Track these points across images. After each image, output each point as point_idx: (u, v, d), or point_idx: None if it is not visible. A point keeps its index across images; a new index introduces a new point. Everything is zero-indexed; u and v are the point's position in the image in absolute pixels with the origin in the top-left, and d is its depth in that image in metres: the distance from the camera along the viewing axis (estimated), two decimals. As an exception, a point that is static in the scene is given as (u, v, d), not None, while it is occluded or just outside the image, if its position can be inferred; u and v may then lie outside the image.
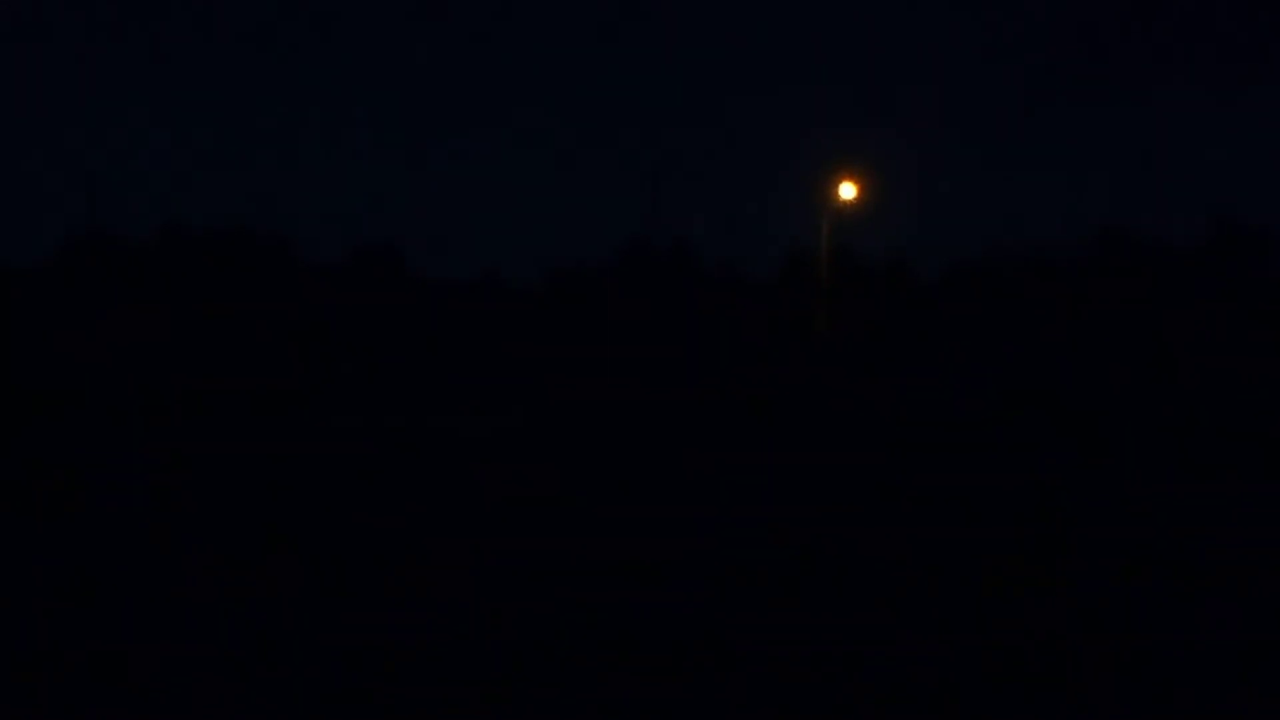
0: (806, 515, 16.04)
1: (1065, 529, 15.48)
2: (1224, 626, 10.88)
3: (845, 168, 48.14)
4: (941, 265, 67.13)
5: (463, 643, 9.94)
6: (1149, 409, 32.61)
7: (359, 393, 33.24)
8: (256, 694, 8.63)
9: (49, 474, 18.16)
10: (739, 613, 11.06)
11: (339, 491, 17.15)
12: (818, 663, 9.62)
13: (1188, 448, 24.03)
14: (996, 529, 15.41)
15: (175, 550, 13.09)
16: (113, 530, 14.08)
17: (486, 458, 21.32)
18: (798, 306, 56.97)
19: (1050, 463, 21.68)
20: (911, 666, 9.55)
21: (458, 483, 18.36)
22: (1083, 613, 11.30)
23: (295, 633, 10.12)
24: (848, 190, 47.03)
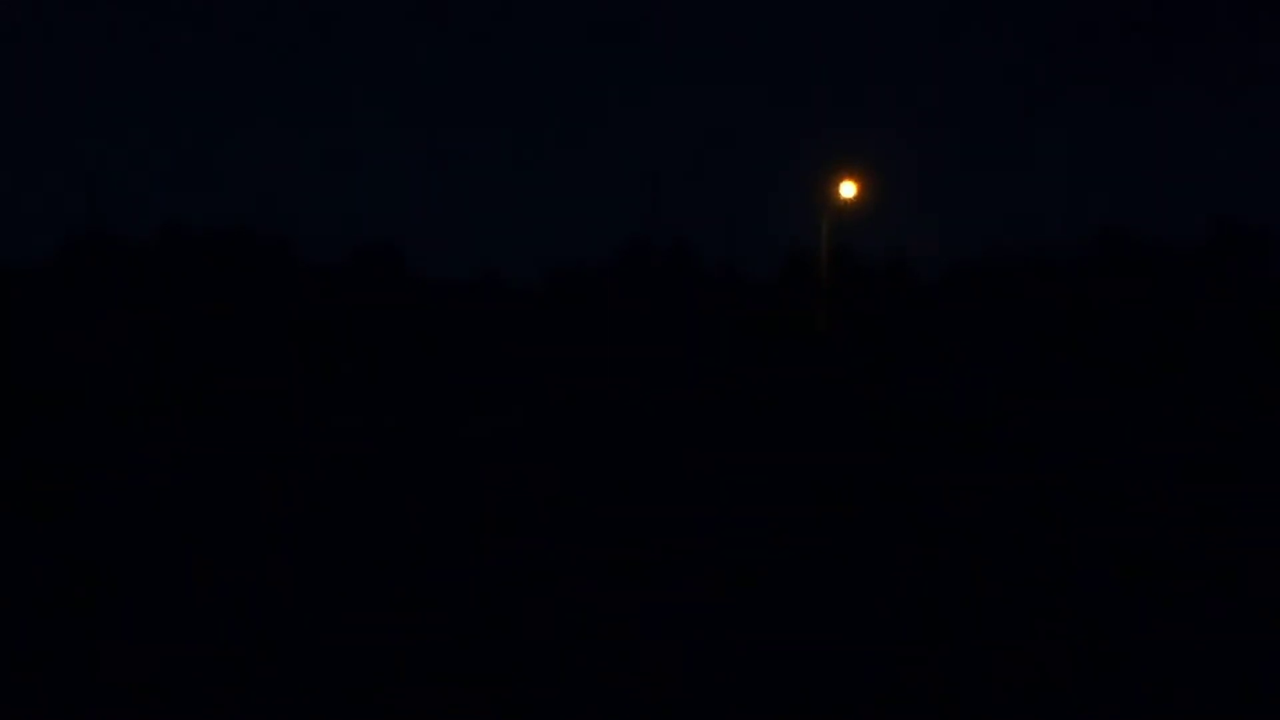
0: (806, 515, 16.04)
1: (1065, 529, 15.48)
2: (1224, 627, 10.88)
3: (845, 168, 48.16)
4: (941, 265, 67.16)
5: (462, 643, 9.94)
6: (1149, 409, 32.61)
7: (359, 393, 33.25)
8: (256, 695, 8.63)
9: (49, 474, 18.17)
10: (739, 612, 11.07)
11: (339, 491, 17.15)
12: (818, 662, 9.63)
13: (1188, 448, 24.03)
14: (997, 529, 15.41)
15: (175, 550, 13.10)
16: (113, 530, 14.08)
17: (486, 457, 21.32)
18: (798, 306, 57.00)
19: (1050, 462, 21.68)
20: (911, 666, 9.56)
21: (457, 483, 18.36)
22: (1083, 613, 11.30)
23: (295, 633, 10.12)
24: (848, 190, 47.04)
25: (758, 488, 18.32)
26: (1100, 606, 11.54)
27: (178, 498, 16.30)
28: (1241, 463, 21.85)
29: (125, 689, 8.65)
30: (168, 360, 41.09)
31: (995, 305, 59.12)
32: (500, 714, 8.40)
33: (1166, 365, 45.89)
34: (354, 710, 8.38)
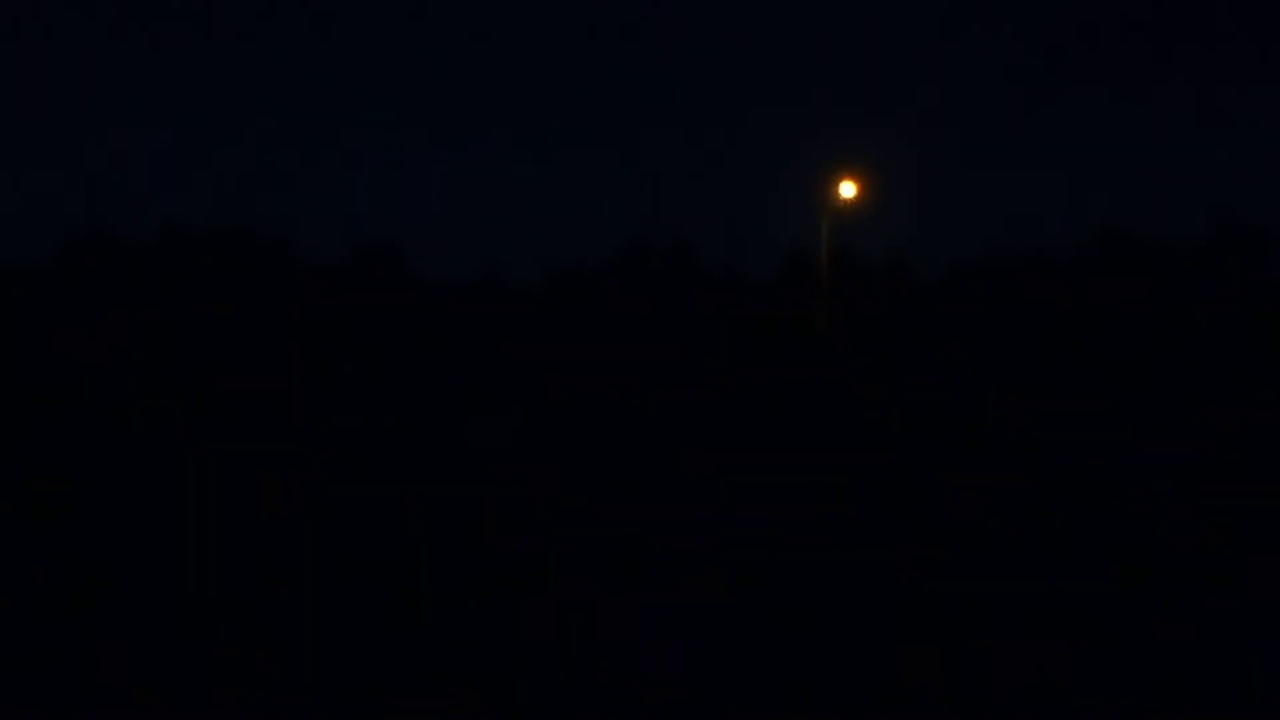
0: (806, 515, 16.03)
1: (1065, 529, 15.47)
2: (1224, 626, 10.87)
3: (845, 168, 48.13)
4: (941, 265, 67.08)
5: (462, 643, 9.93)
6: (1149, 409, 32.60)
7: (359, 393, 33.25)
8: (255, 695, 8.63)
9: (49, 474, 18.16)
10: (739, 612, 11.06)
11: (339, 491, 17.15)
12: (818, 662, 9.62)
13: (1188, 448, 24.02)
14: (997, 529, 15.40)
15: (175, 550, 13.09)
16: (112, 530, 14.08)
17: (486, 457, 21.31)
18: (798, 306, 56.97)
19: (1050, 462, 21.67)
20: (911, 666, 9.55)
21: (457, 482, 18.35)
22: (1083, 612, 11.29)
23: (295, 633, 10.12)
24: (848, 190, 47.02)
25: (758, 487, 18.31)
26: (1100, 606, 11.53)
27: (177, 497, 16.29)
28: (1241, 463, 21.84)
29: (125, 689, 8.64)
30: (168, 360, 41.07)
31: (995, 305, 59.05)
32: (500, 714, 8.39)
33: (1166, 365, 45.87)
34: (354, 710, 8.38)
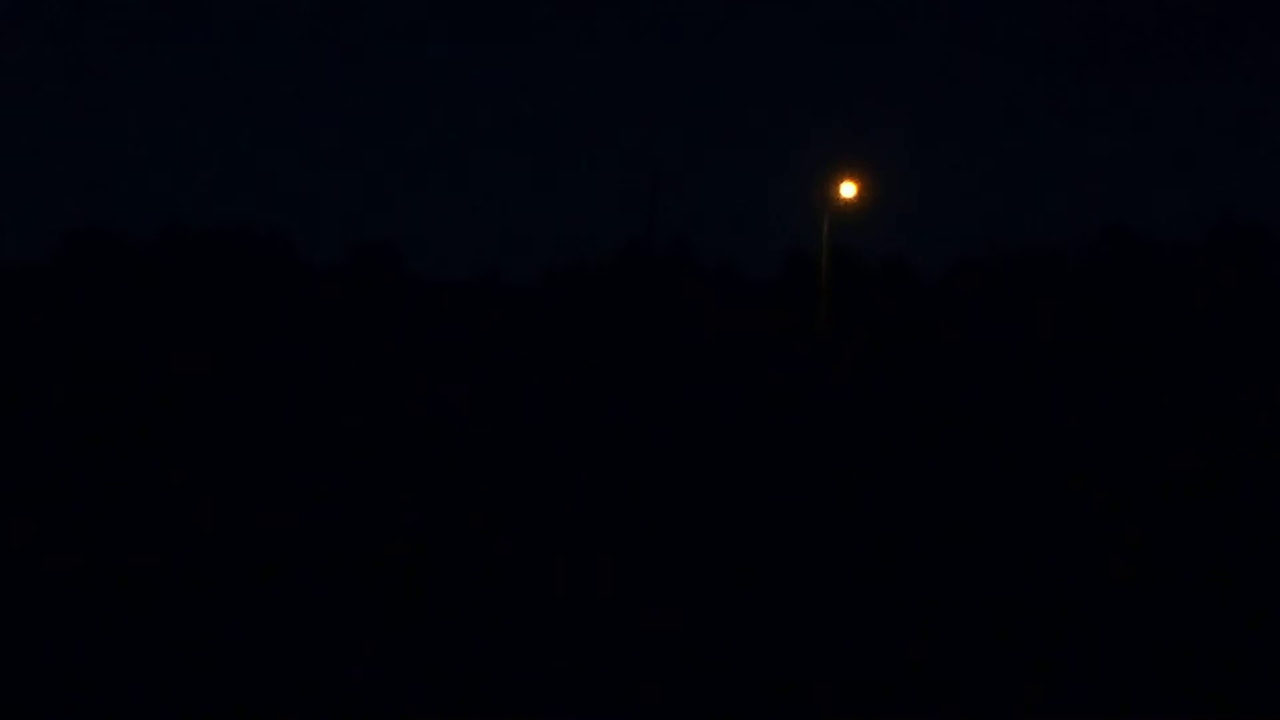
0: (806, 514, 16.03)
1: (1065, 528, 15.47)
2: (1224, 626, 10.87)
3: (845, 168, 48.18)
4: (941, 265, 67.22)
5: (462, 643, 9.93)
6: (1149, 408, 32.60)
7: (359, 393, 33.26)
8: (256, 695, 8.63)
9: (49, 473, 18.16)
10: (739, 612, 11.06)
11: (338, 490, 17.14)
12: (818, 662, 9.62)
13: (1188, 447, 24.02)
14: (997, 529, 15.41)
15: (173, 550, 13.09)
16: (112, 530, 14.07)
17: (485, 457, 21.31)
18: (798, 306, 57.02)
19: (1050, 462, 21.68)
20: (911, 666, 9.55)
21: (457, 482, 18.35)
22: (1083, 612, 11.29)
23: (294, 633, 10.12)
24: (848, 190, 47.05)
25: (757, 487, 18.31)
26: (1100, 605, 11.53)
27: (177, 497, 16.29)
28: (1241, 462, 21.85)
29: (124, 689, 8.65)
30: (167, 359, 41.11)
31: (995, 305, 59.14)
32: (500, 714, 8.39)
33: (1167, 363, 45.89)
34: (353, 710, 8.38)
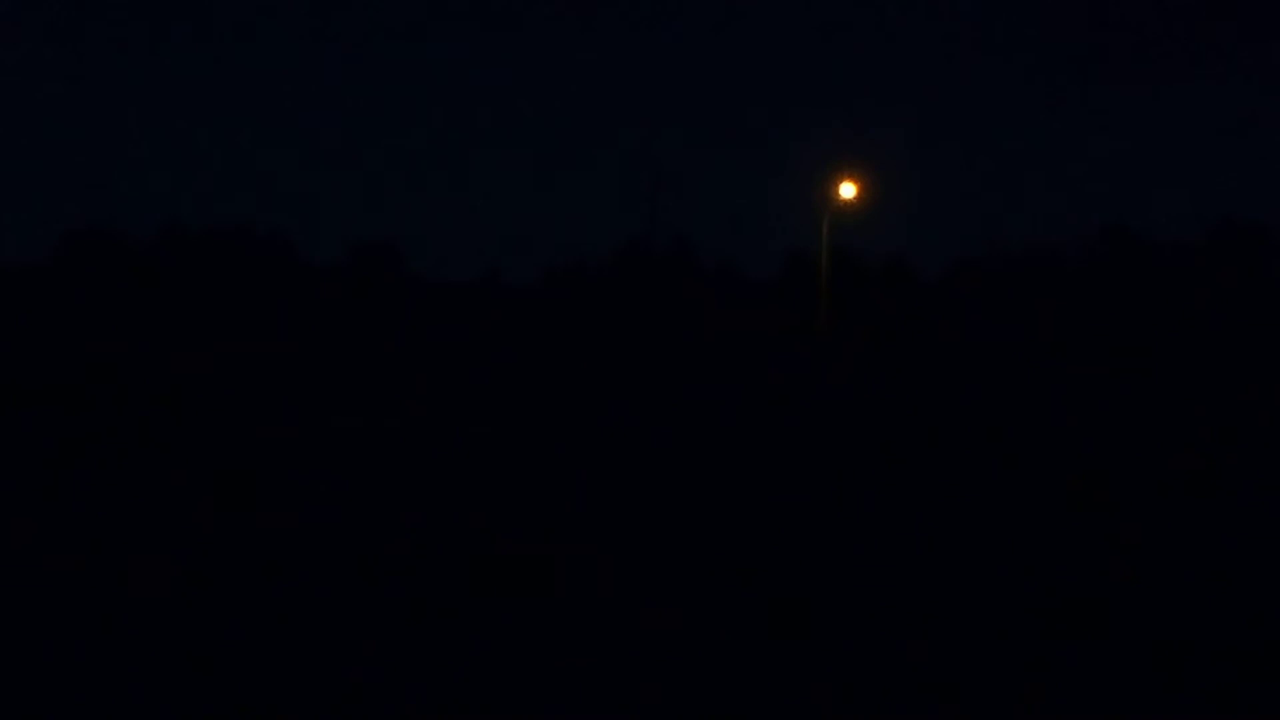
0: (806, 514, 16.03)
1: (1065, 528, 15.47)
2: (1224, 625, 10.87)
3: (845, 168, 48.09)
4: (941, 265, 67.21)
5: (461, 643, 9.93)
6: (1149, 408, 32.61)
7: (359, 393, 33.24)
8: (257, 695, 8.62)
9: (48, 473, 18.16)
10: (739, 612, 11.06)
11: (338, 490, 17.14)
12: (818, 662, 9.62)
13: (1188, 447, 24.02)
14: (997, 529, 15.41)
15: (173, 550, 13.08)
16: (111, 529, 14.07)
17: (485, 457, 21.30)
18: (798, 306, 56.96)
19: (1050, 462, 21.68)
20: (911, 666, 9.55)
21: (457, 482, 18.34)
22: (1083, 611, 11.29)
23: (294, 632, 10.12)
24: (848, 190, 46.97)
25: (757, 487, 18.31)
26: (1100, 604, 11.53)
27: (176, 497, 16.28)
28: (1241, 462, 21.84)
29: (124, 689, 8.64)
30: (167, 359, 41.09)
31: (995, 305, 59.12)
32: (500, 714, 8.39)
33: (1166, 365, 45.87)
34: (353, 710, 8.37)
